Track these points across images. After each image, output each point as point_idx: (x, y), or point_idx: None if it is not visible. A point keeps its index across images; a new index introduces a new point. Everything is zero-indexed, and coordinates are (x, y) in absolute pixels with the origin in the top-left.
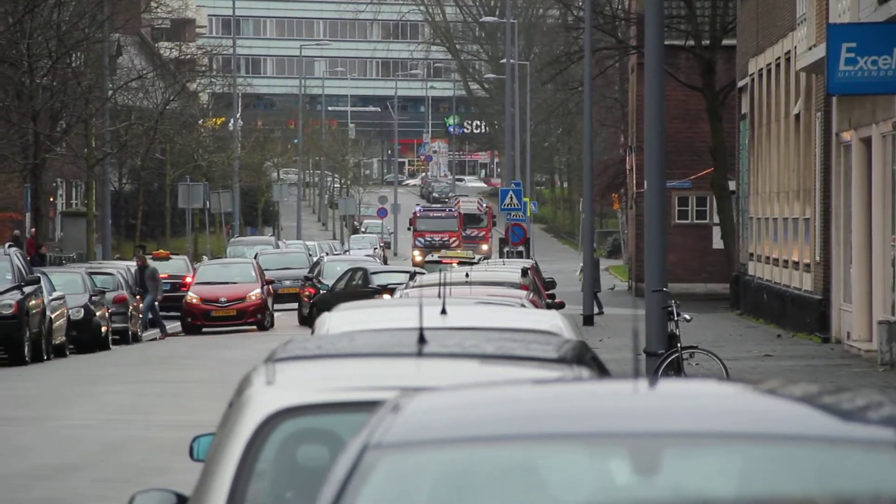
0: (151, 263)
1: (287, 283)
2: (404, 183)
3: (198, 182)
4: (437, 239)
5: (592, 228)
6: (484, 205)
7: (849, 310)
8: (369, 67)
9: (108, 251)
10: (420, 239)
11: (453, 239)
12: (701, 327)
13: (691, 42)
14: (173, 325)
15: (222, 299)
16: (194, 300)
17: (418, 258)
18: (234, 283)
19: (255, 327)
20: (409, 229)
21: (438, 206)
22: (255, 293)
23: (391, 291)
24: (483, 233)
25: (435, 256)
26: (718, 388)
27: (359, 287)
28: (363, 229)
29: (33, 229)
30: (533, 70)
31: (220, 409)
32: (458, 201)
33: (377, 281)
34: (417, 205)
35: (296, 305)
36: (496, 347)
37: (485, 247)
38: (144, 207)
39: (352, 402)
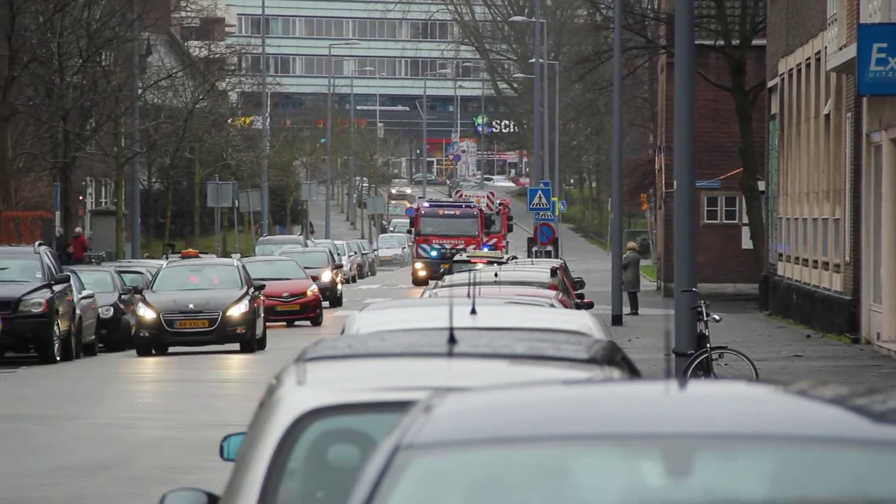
0: None
1: None
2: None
3: (227, 181)
4: (447, 246)
5: (621, 228)
6: (497, 202)
7: (878, 310)
8: (398, 67)
9: (136, 250)
10: (424, 246)
11: (472, 247)
12: (730, 328)
13: (721, 42)
14: None
15: (285, 294)
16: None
17: (421, 273)
18: (289, 279)
19: (309, 322)
20: (408, 232)
21: (451, 201)
22: (313, 288)
23: None
24: (495, 239)
25: (464, 256)
26: (750, 389)
27: None
28: (391, 228)
29: (78, 228)
30: (562, 69)
31: (250, 409)
32: (460, 192)
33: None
34: (420, 197)
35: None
36: (527, 348)
37: None
38: (173, 206)
39: (382, 403)
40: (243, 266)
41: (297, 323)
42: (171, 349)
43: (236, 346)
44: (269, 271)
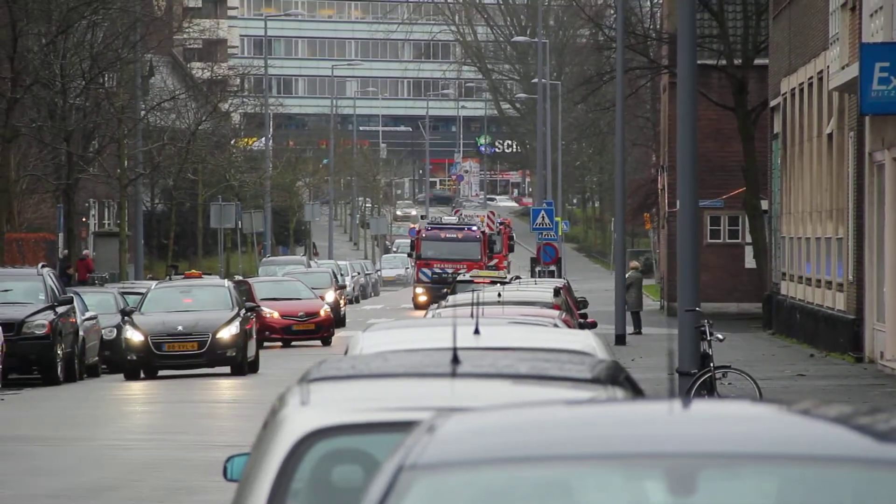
0: None
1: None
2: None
3: (230, 202)
4: (449, 271)
5: (624, 248)
6: (497, 221)
7: (882, 329)
8: (401, 87)
9: (140, 271)
10: (425, 271)
11: (474, 272)
12: (733, 347)
13: (723, 61)
14: None
15: (301, 314)
16: (273, 315)
17: (422, 299)
18: (300, 299)
19: (319, 342)
20: (409, 255)
21: (454, 221)
22: (325, 308)
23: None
24: (496, 260)
25: (466, 276)
26: (754, 408)
27: None
28: (394, 248)
29: (86, 251)
30: (564, 90)
31: (254, 430)
32: (459, 211)
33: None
34: (422, 217)
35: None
36: (530, 367)
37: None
38: (176, 227)
39: (386, 423)
40: (234, 287)
41: (293, 343)
42: (159, 373)
43: (227, 370)
44: (278, 291)
